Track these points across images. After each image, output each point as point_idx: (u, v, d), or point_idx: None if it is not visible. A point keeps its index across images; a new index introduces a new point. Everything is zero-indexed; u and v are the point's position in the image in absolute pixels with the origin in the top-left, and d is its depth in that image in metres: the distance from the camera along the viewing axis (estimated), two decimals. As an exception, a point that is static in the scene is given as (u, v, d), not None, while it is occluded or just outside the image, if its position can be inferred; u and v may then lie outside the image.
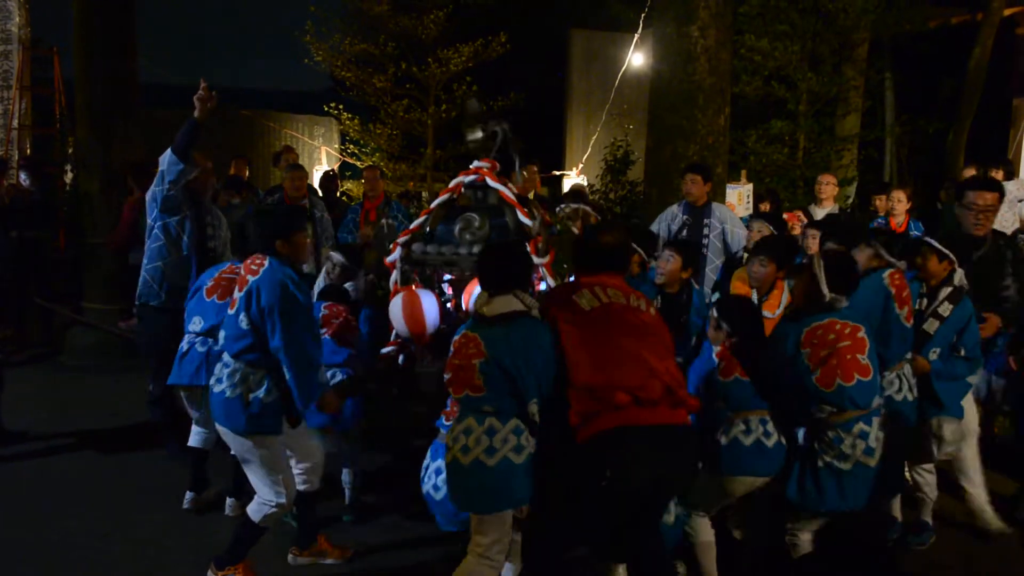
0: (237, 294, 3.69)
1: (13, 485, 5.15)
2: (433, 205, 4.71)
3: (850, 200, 10.80)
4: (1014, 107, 12.45)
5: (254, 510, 3.80)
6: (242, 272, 3.73)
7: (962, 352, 4.26)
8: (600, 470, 3.00)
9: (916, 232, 7.13)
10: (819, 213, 7.18)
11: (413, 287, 4.47)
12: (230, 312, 3.72)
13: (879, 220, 7.43)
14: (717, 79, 7.26)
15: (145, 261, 5.30)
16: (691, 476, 3.32)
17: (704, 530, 3.78)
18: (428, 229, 4.65)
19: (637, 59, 12.09)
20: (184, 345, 4.65)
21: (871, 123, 13.02)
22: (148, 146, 9.22)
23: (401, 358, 4.63)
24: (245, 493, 4.27)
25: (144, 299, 5.33)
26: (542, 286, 4.38)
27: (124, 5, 8.51)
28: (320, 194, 8.76)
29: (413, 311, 4.32)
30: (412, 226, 4.71)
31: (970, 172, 7.67)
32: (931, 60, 13.83)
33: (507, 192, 4.53)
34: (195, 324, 4.63)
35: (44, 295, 8.50)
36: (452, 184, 4.68)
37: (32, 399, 6.73)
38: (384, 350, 4.68)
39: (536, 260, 4.24)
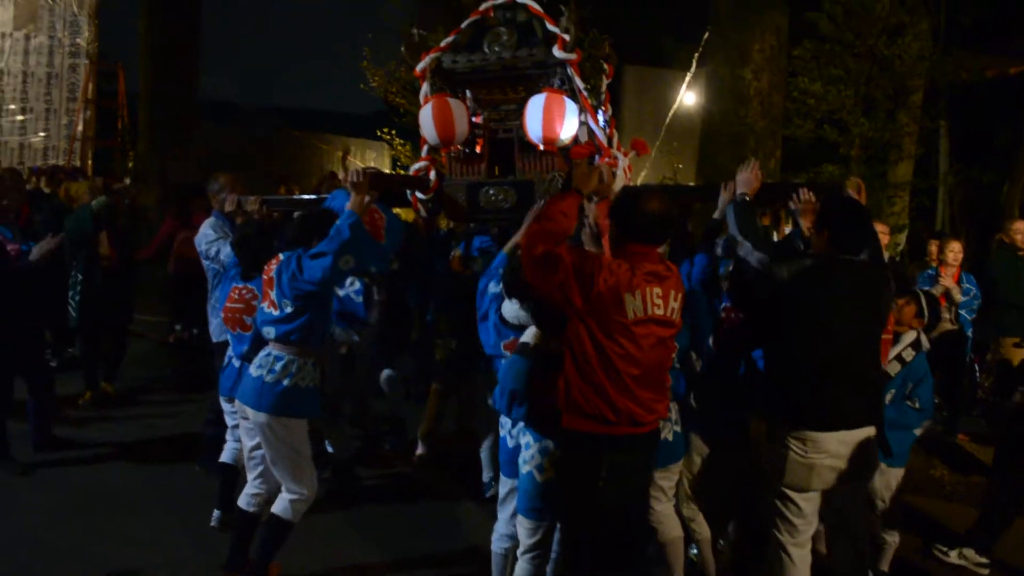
0: (273, 294, 3.86)
1: (51, 493, 5.27)
2: (463, 25, 4.71)
3: (900, 248, 10.66)
4: (1072, 160, 12.24)
5: (283, 508, 3.88)
6: (264, 278, 3.95)
7: (916, 404, 4.29)
8: (595, 471, 3.06)
9: (968, 285, 7.04)
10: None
11: (444, 95, 4.53)
12: (272, 311, 3.87)
13: (929, 272, 7.34)
14: (769, 122, 7.28)
15: (214, 299, 5.34)
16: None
17: (673, 525, 3.83)
18: (458, 43, 4.68)
19: (689, 98, 12.13)
20: (227, 358, 4.74)
21: (924, 171, 12.86)
22: (207, 162, 9.45)
23: (432, 173, 4.70)
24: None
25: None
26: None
27: (190, 26, 8.75)
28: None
29: (444, 116, 4.42)
30: (443, 43, 4.71)
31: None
32: (987, 109, 13.64)
33: (534, 4, 4.56)
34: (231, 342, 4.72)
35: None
36: (482, 7, 4.69)
37: (80, 407, 6.89)
38: (416, 165, 4.78)
39: (560, 55, 4.35)
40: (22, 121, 13.20)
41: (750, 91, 7.18)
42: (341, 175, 9.63)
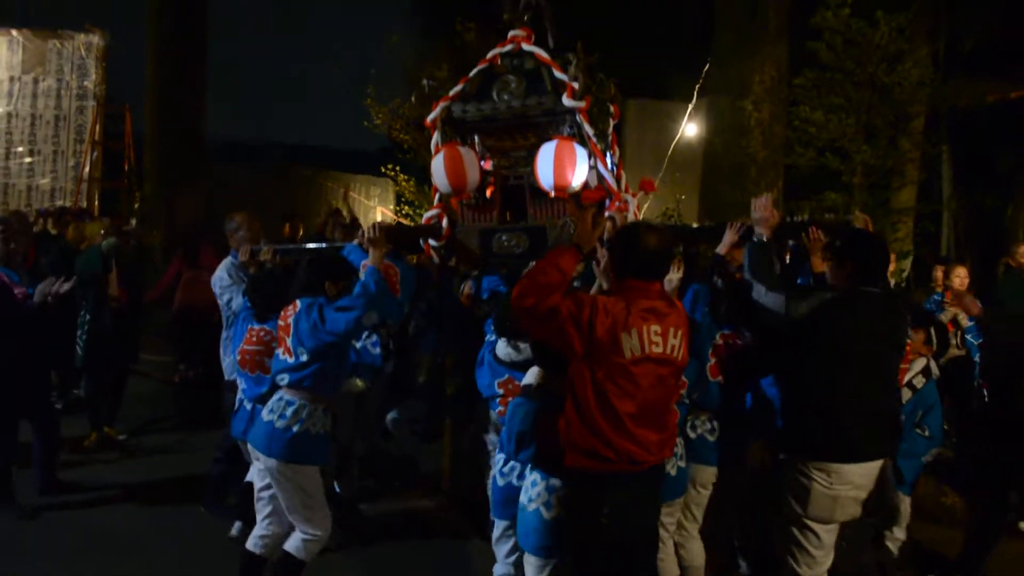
0: (289, 341, 3.89)
1: (57, 537, 5.24)
2: (471, 74, 4.78)
3: (905, 274, 10.64)
4: (1075, 183, 12.25)
5: (296, 547, 3.90)
6: (280, 324, 4.00)
7: (926, 432, 4.32)
8: (598, 509, 3.04)
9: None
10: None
11: (455, 143, 4.58)
12: (287, 359, 3.91)
13: (936, 297, 7.31)
14: (770, 152, 7.33)
15: (226, 336, 5.35)
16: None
17: (697, 554, 3.94)
18: (467, 92, 4.73)
19: (690, 129, 12.18)
20: (237, 401, 4.74)
21: (927, 196, 12.85)
22: (214, 200, 9.49)
23: (444, 220, 4.73)
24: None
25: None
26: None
27: (196, 66, 8.83)
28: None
29: (455, 165, 4.46)
30: (452, 92, 4.77)
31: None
32: (989, 134, 13.66)
33: (541, 52, 4.61)
34: (240, 383, 4.72)
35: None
36: (489, 55, 4.76)
37: (85, 449, 6.86)
38: (428, 213, 4.83)
39: (569, 103, 4.38)
40: (30, 163, 13.32)
41: (751, 122, 7.23)
42: (344, 212, 9.71)
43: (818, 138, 11.21)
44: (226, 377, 5.34)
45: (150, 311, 8.34)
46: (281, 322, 4.01)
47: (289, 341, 3.91)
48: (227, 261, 5.22)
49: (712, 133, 7.66)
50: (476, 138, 4.88)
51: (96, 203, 13.03)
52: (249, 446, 4.08)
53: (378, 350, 4.83)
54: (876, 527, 4.42)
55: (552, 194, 4.47)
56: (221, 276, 5.16)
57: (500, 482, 3.69)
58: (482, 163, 4.79)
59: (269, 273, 4.79)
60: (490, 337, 3.93)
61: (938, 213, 13.04)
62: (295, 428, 3.84)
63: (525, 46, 4.66)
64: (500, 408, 3.83)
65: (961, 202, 12.81)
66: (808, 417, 3.53)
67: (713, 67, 8.15)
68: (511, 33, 4.73)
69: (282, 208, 10.97)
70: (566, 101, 4.41)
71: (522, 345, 3.88)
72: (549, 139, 4.49)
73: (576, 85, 4.41)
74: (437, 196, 4.80)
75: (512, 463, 3.62)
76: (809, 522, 3.50)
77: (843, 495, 3.43)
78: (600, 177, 4.69)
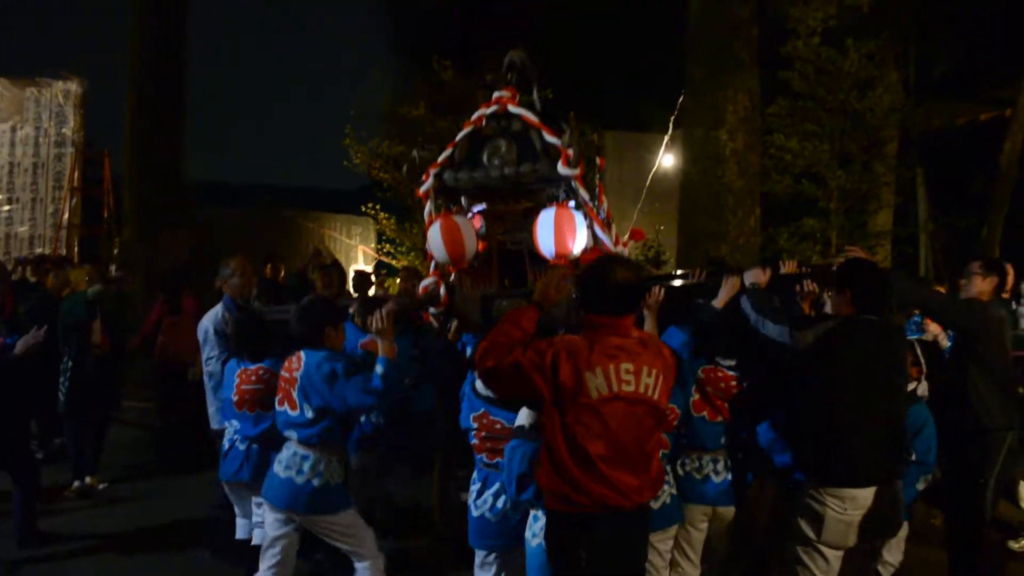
0: (294, 394, 3.94)
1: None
2: (458, 138, 4.74)
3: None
4: (1048, 202, 12.45)
5: None
6: (284, 375, 4.01)
7: (913, 456, 4.28)
8: (575, 551, 2.98)
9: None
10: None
11: (449, 213, 4.55)
12: (293, 413, 3.95)
13: (916, 319, 7.36)
14: (747, 181, 7.39)
15: (212, 384, 5.24)
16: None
17: None
18: (456, 159, 4.70)
19: (667, 160, 12.32)
20: (226, 443, 4.70)
21: (903, 219, 13.03)
22: (197, 242, 9.44)
23: (442, 288, 4.68)
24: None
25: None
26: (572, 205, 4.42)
27: (177, 106, 8.84)
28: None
29: (452, 235, 4.44)
30: (440, 158, 4.73)
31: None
32: (962, 156, 13.90)
33: (529, 115, 4.58)
34: (233, 424, 4.67)
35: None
36: (474, 117, 4.72)
37: (67, 498, 6.77)
38: (425, 282, 4.77)
39: (565, 172, 4.34)
40: (8, 211, 13.29)
41: (726, 151, 7.31)
42: (324, 253, 9.72)
43: (794, 165, 11.38)
44: (213, 426, 5.29)
45: (132, 357, 8.27)
46: (285, 374, 4.03)
47: (295, 395, 3.94)
48: (217, 310, 5.15)
49: (688, 163, 7.73)
50: (464, 200, 4.87)
51: (76, 249, 13.00)
52: (264, 500, 4.09)
53: (378, 419, 4.90)
54: (875, 551, 4.42)
55: (552, 261, 4.47)
56: (207, 328, 5.12)
57: (475, 513, 3.70)
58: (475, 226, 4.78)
59: (253, 317, 4.78)
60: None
61: (915, 235, 13.22)
62: (315, 482, 3.91)
63: (512, 108, 4.63)
64: (475, 441, 3.83)
65: (937, 224, 12.99)
66: (818, 444, 3.60)
67: (687, 98, 8.26)
68: (496, 94, 4.69)
69: (264, 249, 10.95)
70: (562, 170, 4.39)
71: None
72: (544, 204, 4.50)
73: (571, 152, 4.38)
74: (433, 264, 4.75)
75: (485, 496, 3.66)
76: (820, 546, 3.55)
77: (855, 519, 3.49)
78: (595, 238, 4.69)
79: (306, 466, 3.92)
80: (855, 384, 3.55)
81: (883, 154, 12.11)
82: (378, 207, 14.56)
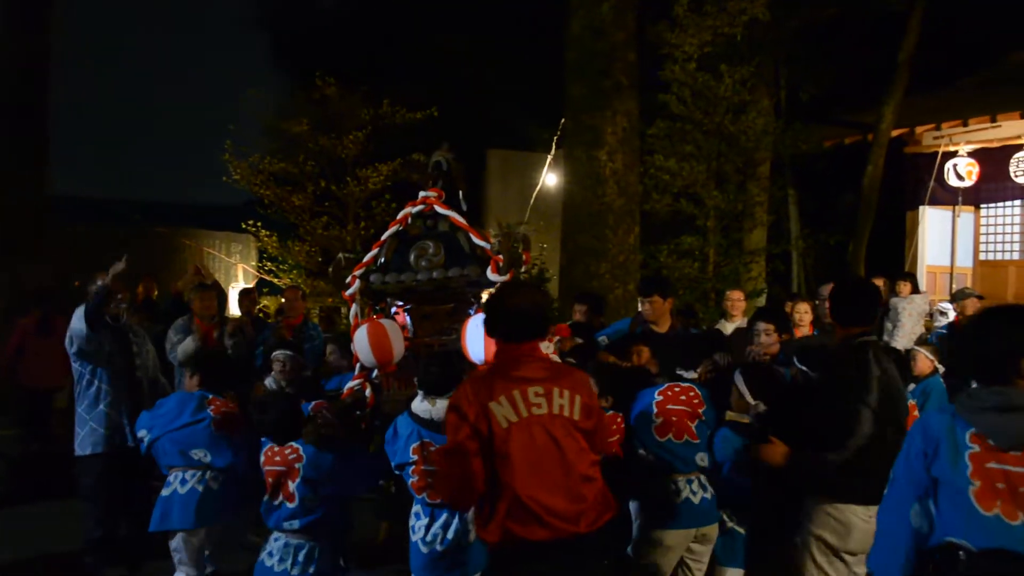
0: (292, 486, 3.92)
1: None
2: (384, 237, 4.65)
3: (759, 312, 11.13)
4: (908, 219, 13.22)
5: None
6: (278, 460, 3.99)
7: None
8: None
9: (820, 345, 7.37)
10: (728, 328, 7.36)
11: (375, 317, 4.45)
12: (288, 504, 3.92)
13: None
14: (626, 200, 7.55)
15: (82, 408, 5.09)
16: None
17: None
18: (383, 260, 4.61)
19: (551, 179, 12.48)
20: (166, 490, 4.47)
21: (777, 237, 13.60)
22: (63, 260, 8.97)
23: (368, 390, 4.56)
24: None
25: (93, 448, 5.10)
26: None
27: (36, 122, 8.41)
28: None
29: (379, 340, 4.31)
30: (366, 259, 4.63)
31: (879, 283, 7.99)
32: (829, 177, 14.62)
33: (457, 217, 4.53)
34: (198, 454, 4.47)
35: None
36: (400, 215, 4.65)
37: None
38: (348, 384, 4.63)
39: (495, 279, 4.28)
40: None
41: (606, 172, 7.45)
42: (204, 273, 9.38)
43: (673, 184, 11.71)
44: (78, 452, 5.05)
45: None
46: (278, 467, 3.96)
47: (292, 487, 3.91)
48: (80, 326, 4.95)
49: (570, 183, 7.85)
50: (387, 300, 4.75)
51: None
52: None
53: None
54: None
55: (481, 367, 4.37)
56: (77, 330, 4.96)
57: (423, 549, 3.67)
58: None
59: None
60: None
61: (787, 252, 13.80)
62: (311, 570, 3.89)
63: (438, 208, 4.56)
64: (414, 479, 3.73)
65: (808, 241, 13.59)
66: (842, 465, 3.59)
67: (568, 119, 8.40)
68: (422, 194, 4.63)
69: (136, 270, 10.48)
70: (491, 276, 4.30)
71: (439, 402, 3.75)
72: (471, 304, 4.48)
73: (501, 258, 4.31)
74: (358, 366, 4.60)
75: (433, 529, 3.66)
76: (844, 554, 3.61)
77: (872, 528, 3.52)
78: None
79: (301, 555, 3.92)
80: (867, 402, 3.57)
81: (757, 175, 12.61)
82: (259, 224, 14.20)
